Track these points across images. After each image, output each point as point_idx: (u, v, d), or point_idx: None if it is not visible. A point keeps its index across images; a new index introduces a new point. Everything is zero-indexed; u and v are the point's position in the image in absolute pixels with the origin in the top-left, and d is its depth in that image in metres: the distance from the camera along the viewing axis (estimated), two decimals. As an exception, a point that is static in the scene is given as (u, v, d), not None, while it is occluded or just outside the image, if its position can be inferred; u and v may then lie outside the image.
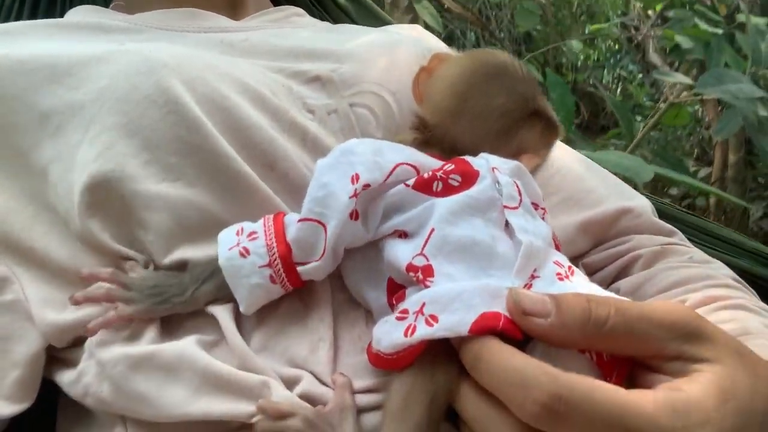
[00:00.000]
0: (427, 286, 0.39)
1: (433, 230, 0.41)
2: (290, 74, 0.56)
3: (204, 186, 0.48)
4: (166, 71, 0.49)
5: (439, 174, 0.43)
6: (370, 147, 0.44)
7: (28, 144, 0.49)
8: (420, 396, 0.38)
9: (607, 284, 0.59)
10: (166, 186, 0.47)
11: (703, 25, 1.78)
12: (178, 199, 0.47)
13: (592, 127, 3.32)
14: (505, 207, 0.42)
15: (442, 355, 0.38)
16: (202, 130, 0.47)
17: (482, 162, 0.44)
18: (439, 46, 0.72)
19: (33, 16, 0.73)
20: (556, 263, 0.42)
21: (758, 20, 1.71)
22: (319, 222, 0.42)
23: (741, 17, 1.84)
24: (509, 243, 0.41)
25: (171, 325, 0.46)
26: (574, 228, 0.59)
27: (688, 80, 1.51)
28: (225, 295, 0.45)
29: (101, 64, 0.50)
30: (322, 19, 0.82)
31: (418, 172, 0.43)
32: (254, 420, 0.41)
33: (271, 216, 0.45)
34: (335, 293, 0.47)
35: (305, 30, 0.66)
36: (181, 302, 0.46)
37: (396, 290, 0.43)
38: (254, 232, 0.44)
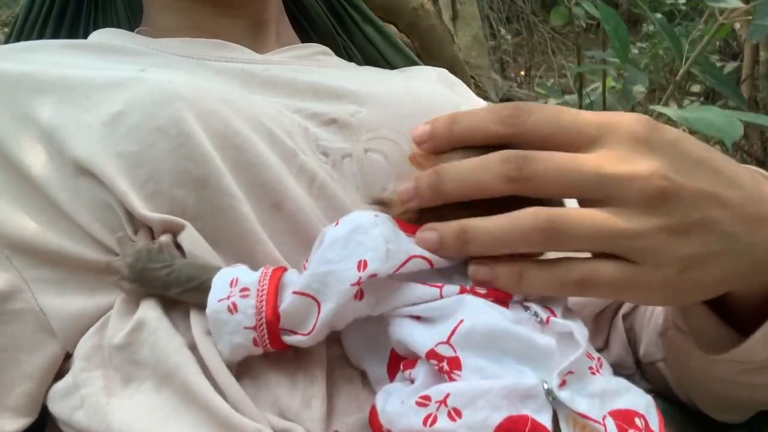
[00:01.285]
0: (453, 379, 0.37)
1: (462, 321, 0.39)
2: (308, 115, 0.56)
3: (204, 222, 0.47)
4: (181, 104, 0.49)
5: (467, 287, 0.41)
6: (385, 231, 0.41)
7: (30, 158, 0.49)
8: None
9: None
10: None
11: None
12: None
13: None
14: (548, 319, 0.40)
15: None
16: (210, 165, 0.47)
17: None
18: (460, 91, 0.72)
19: (56, 34, 0.73)
20: (587, 356, 0.40)
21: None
22: (314, 299, 0.41)
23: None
24: (549, 340, 0.39)
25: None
26: None
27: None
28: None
29: (118, 89, 0.50)
30: (349, 54, 0.82)
31: (431, 265, 0.42)
32: None
33: (270, 272, 0.43)
34: (331, 347, 0.46)
35: (328, 69, 0.66)
36: (165, 294, 0.46)
37: (398, 361, 0.42)
38: (247, 288, 0.43)
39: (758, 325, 0.42)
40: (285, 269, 0.44)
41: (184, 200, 0.47)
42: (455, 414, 0.36)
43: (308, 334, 0.42)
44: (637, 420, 0.37)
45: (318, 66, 0.66)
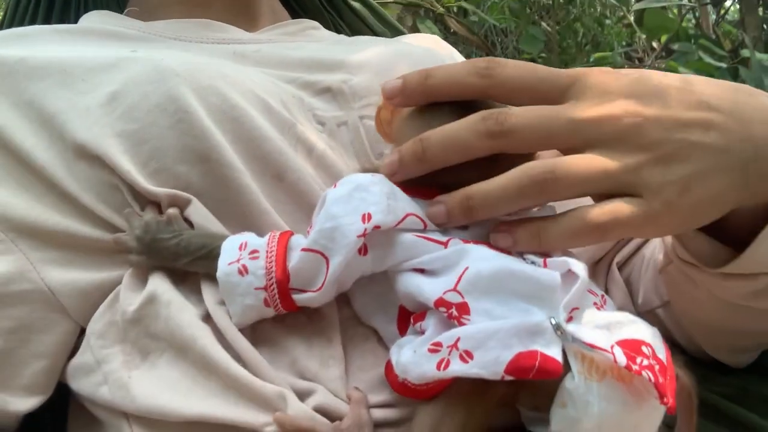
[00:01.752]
0: (462, 324, 0.38)
1: (467, 268, 0.40)
2: (301, 85, 0.56)
3: (208, 197, 0.48)
4: (178, 80, 0.49)
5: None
6: (385, 188, 0.43)
7: (32, 142, 0.49)
8: (450, 428, 0.38)
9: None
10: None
11: (708, 59, 1.80)
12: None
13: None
14: (546, 259, 0.41)
15: (478, 389, 0.38)
16: (211, 140, 0.48)
17: None
18: (454, 57, 0.73)
19: (47, 19, 0.73)
20: (591, 292, 0.42)
21: (762, 56, 1.73)
22: (323, 254, 0.42)
23: (745, 52, 1.86)
24: (554, 274, 0.40)
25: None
26: None
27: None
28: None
29: (112, 70, 0.51)
30: (338, 28, 0.83)
31: (425, 225, 0.43)
32: (268, 430, 0.41)
33: (278, 235, 0.44)
34: (342, 308, 0.47)
35: (319, 42, 0.67)
36: (173, 266, 0.46)
37: (407, 317, 0.43)
38: (256, 251, 0.44)
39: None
40: (292, 233, 0.45)
41: (188, 176, 0.48)
42: (467, 356, 0.37)
43: (318, 290, 0.42)
44: (644, 348, 0.38)
45: (308, 41, 0.67)
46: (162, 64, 0.50)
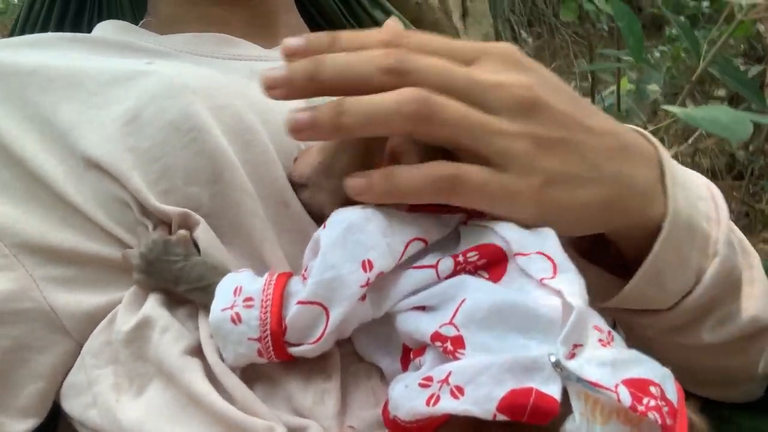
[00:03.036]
0: (457, 359, 0.36)
1: (464, 300, 0.38)
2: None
3: (216, 218, 0.47)
4: (193, 97, 0.48)
5: (460, 259, 0.41)
6: (379, 226, 0.41)
7: (43, 157, 0.49)
8: None
9: None
10: None
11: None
12: None
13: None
14: (542, 280, 0.39)
15: (472, 430, 0.35)
16: (223, 159, 0.47)
17: (500, 240, 0.41)
18: None
19: (60, 26, 0.73)
20: (596, 328, 0.39)
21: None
22: (322, 306, 0.40)
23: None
24: (555, 302, 0.38)
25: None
26: None
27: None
28: None
29: (127, 84, 0.50)
30: None
31: (426, 244, 0.42)
32: None
33: (274, 280, 0.43)
34: (343, 344, 0.45)
35: None
36: (173, 289, 0.46)
37: (410, 354, 0.42)
38: (251, 298, 0.42)
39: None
40: (290, 275, 0.43)
41: (199, 197, 0.47)
42: (458, 391, 0.35)
43: (315, 342, 0.41)
44: (652, 389, 0.35)
45: None
46: (178, 80, 0.49)
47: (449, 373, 0.35)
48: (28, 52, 0.56)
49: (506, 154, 0.40)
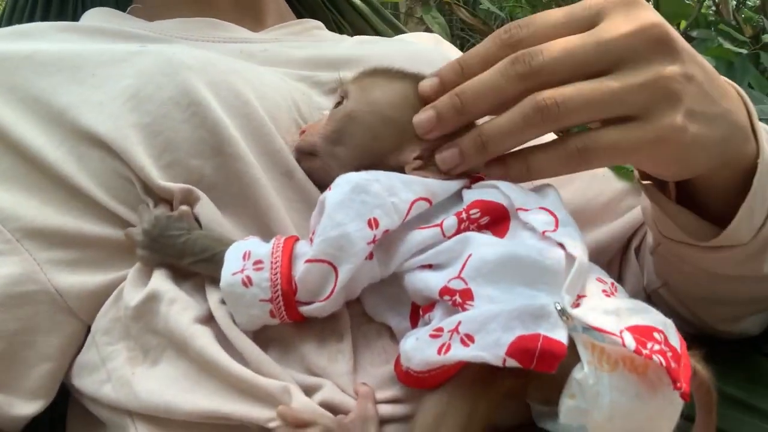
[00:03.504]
0: (466, 310, 0.37)
1: (470, 255, 0.39)
2: (312, 84, 0.57)
3: (220, 190, 0.48)
4: (190, 73, 0.49)
5: (463, 216, 0.42)
6: (384, 186, 0.42)
7: (41, 140, 0.49)
8: (454, 419, 0.37)
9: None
10: None
11: (728, 45, 1.76)
12: None
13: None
14: (545, 233, 0.40)
15: (483, 378, 0.37)
16: (224, 133, 0.47)
17: (502, 197, 0.42)
18: (453, 54, 0.72)
19: (45, 16, 0.73)
20: (599, 280, 0.40)
21: (785, 41, 1.68)
22: (331, 264, 0.41)
23: (766, 38, 1.82)
24: (558, 254, 0.39)
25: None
26: None
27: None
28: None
29: (123, 64, 0.50)
30: (340, 27, 0.84)
31: (430, 203, 0.42)
32: (272, 425, 0.40)
33: (282, 242, 0.43)
34: (353, 304, 0.46)
35: (324, 42, 0.67)
36: (177, 264, 0.46)
37: (419, 312, 0.42)
38: (260, 261, 0.42)
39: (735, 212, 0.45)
40: (296, 239, 0.44)
41: (201, 169, 0.47)
42: (468, 339, 0.36)
43: (326, 299, 0.42)
44: (655, 334, 0.36)
45: (313, 40, 0.67)
46: (174, 57, 0.50)
47: (459, 323, 0.36)
48: (20, 40, 0.55)
49: (637, 105, 0.41)
